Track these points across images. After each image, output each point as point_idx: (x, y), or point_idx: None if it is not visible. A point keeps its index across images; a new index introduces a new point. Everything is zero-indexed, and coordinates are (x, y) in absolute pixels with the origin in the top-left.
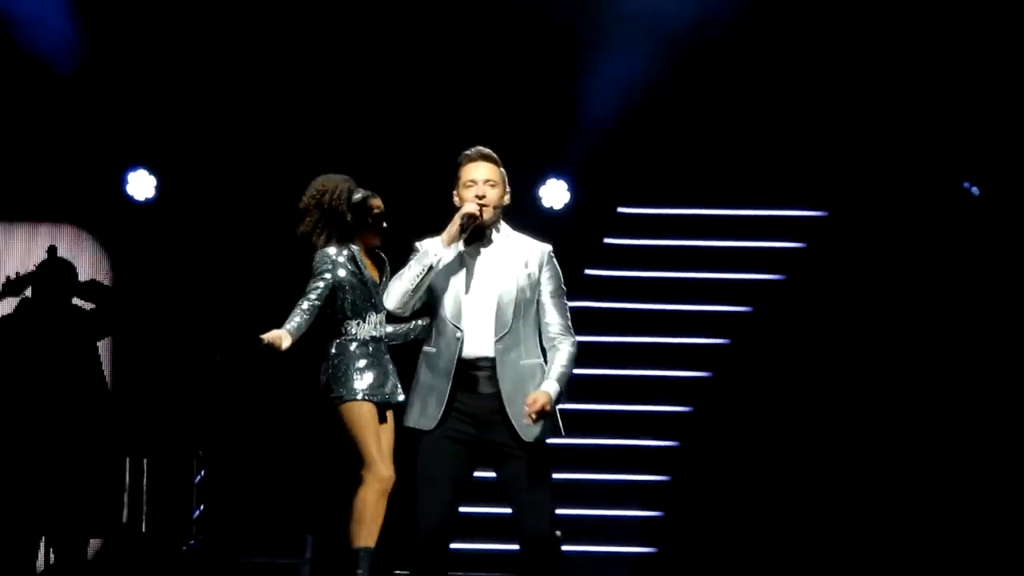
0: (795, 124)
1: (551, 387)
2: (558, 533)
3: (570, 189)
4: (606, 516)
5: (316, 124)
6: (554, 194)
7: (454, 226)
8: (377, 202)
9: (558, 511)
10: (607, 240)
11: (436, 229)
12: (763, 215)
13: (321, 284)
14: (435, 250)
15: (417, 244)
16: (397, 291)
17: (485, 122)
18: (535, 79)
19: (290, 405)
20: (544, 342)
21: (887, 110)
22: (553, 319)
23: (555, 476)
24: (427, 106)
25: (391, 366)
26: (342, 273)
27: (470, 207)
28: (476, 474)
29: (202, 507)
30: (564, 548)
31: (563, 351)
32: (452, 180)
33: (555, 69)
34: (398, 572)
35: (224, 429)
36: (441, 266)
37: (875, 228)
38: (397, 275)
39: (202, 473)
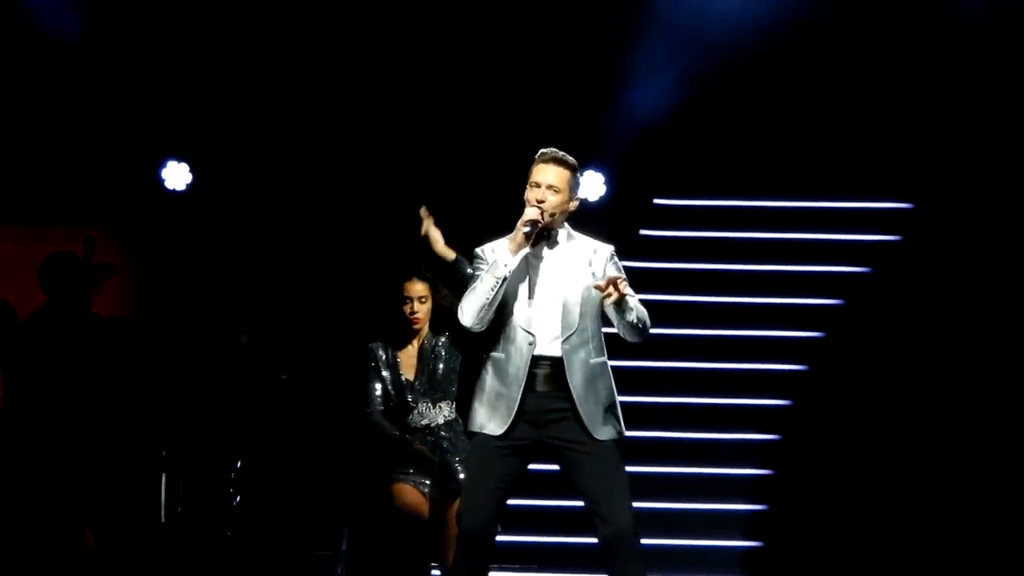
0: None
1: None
2: (638, 529)
3: (607, 182)
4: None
5: (354, 118)
6: (591, 186)
7: (519, 233)
8: None
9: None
10: (643, 232)
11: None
12: (824, 207)
13: None
14: (504, 259)
15: (478, 250)
16: (472, 307)
17: (523, 114)
18: (574, 71)
19: (327, 400)
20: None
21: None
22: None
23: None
24: (467, 98)
25: None
26: None
27: (531, 212)
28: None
29: (239, 498)
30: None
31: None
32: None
33: (594, 61)
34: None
35: (262, 422)
36: (511, 275)
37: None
38: (469, 290)
39: (239, 464)
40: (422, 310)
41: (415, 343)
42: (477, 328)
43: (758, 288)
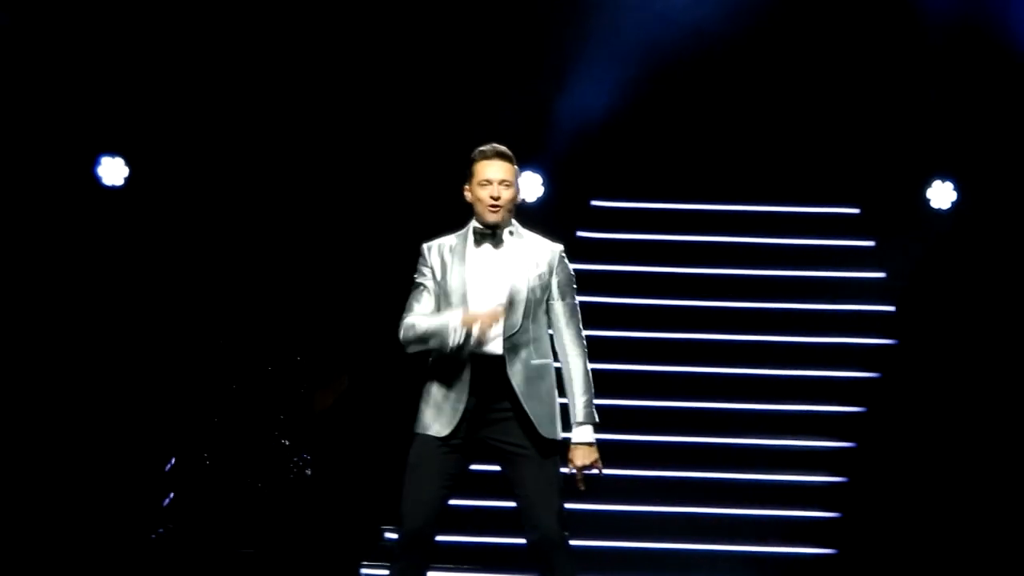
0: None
1: (586, 435)
2: (566, 533)
3: (544, 183)
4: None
5: (289, 111)
6: (529, 187)
7: (467, 329)
8: None
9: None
10: (579, 233)
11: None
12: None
13: None
14: (458, 337)
15: (424, 248)
16: (412, 339)
17: (461, 115)
18: (513, 71)
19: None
20: (555, 346)
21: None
22: (564, 324)
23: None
24: (405, 98)
25: None
26: None
27: (476, 331)
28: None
29: (172, 495)
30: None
31: (578, 371)
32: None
33: (533, 63)
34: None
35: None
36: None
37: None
38: (419, 312)
39: (172, 461)
40: None
41: None
42: (405, 347)
43: (695, 291)
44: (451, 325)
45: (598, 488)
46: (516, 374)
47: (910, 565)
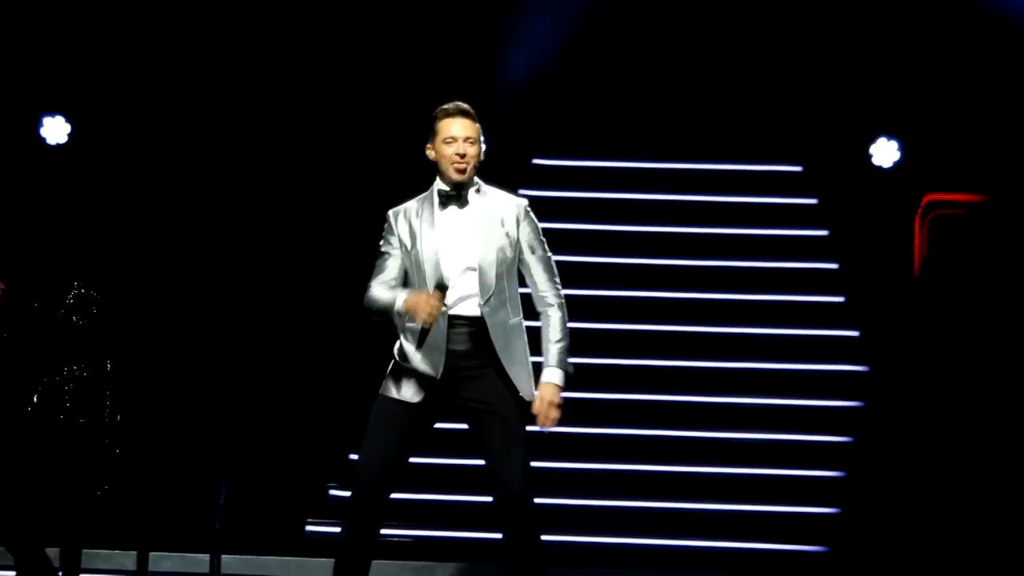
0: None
1: (555, 376)
2: (529, 491)
3: (485, 140)
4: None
5: (232, 69)
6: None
7: (415, 312)
8: None
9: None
10: (521, 191)
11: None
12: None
13: None
14: (407, 319)
15: (389, 214)
16: (372, 309)
17: (403, 74)
18: (452, 28)
19: (203, 350)
20: (534, 299)
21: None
22: (540, 278)
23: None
24: (348, 58)
25: None
26: None
27: (427, 320)
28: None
29: (117, 451)
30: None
31: (554, 321)
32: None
33: (473, 18)
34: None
35: (139, 372)
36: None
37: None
38: (380, 282)
39: (118, 418)
40: None
41: None
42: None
43: (639, 249)
44: (396, 308)
45: (585, 481)
46: (496, 336)
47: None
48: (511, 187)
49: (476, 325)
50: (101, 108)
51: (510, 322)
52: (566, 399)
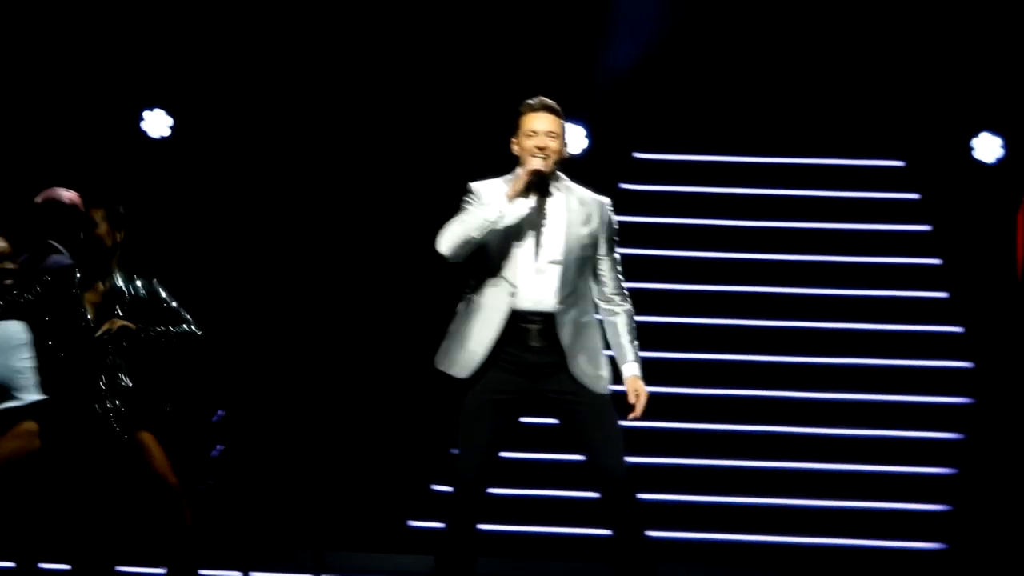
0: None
1: (638, 370)
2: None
3: (588, 135)
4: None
5: (336, 68)
6: (571, 140)
7: (520, 182)
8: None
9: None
10: (622, 186)
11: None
12: (809, 163)
13: None
14: (500, 204)
15: (472, 185)
16: (455, 236)
17: (503, 68)
18: (555, 22)
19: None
20: (597, 297)
21: None
22: (611, 278)
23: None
24: (449, 52)
25: None
26: None
27: (536, 163)
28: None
29: (219, 447)
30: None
31: (624, 318)
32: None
33: (576, 12)
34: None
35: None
36: (503, 223)
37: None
38: (456, 218)
39: (220, 413)
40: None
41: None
42: (451, 260)
43: (739, 244)
44: (493, 206)
45: (694, 476)
46: (564, 332)
47: (1021, 558)
48: (611, 182)
49: (549, 320)
50: (202, 101)
51: (583, 319)
52: (668, 394)
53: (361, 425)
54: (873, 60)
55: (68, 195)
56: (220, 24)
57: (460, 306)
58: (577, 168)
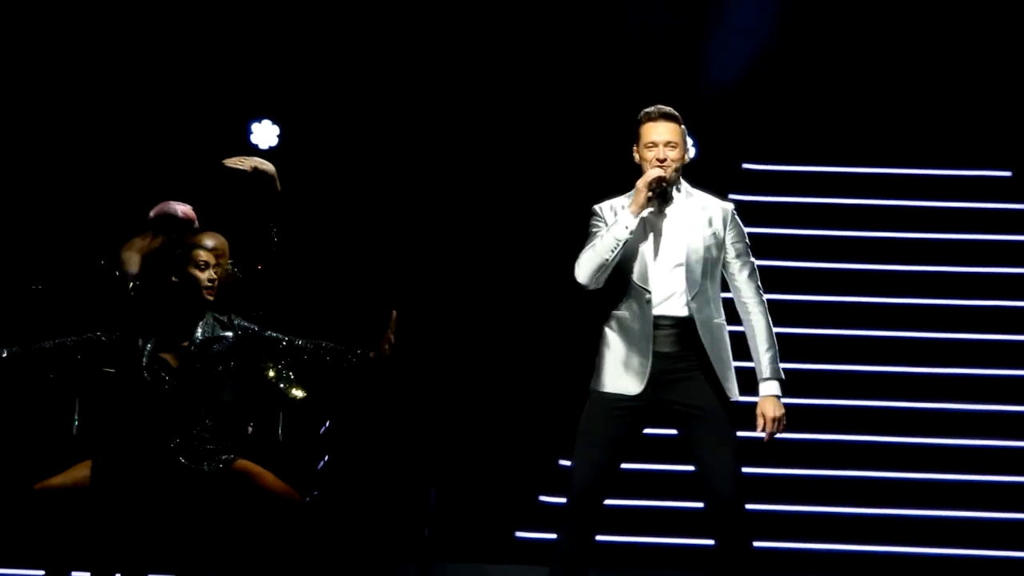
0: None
1: (774, 388)
2: (742, 497)
3: (695, 145)
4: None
5: (450, 81)
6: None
7: (641, 195)
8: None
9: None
10: (732, 196)
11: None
12: (917, 174)
13: None
14: (625, 221)
15: (596, 208)
16: (590, 265)
17: (610, 79)
18: (664, 31)
19: (413, 355)
20: (736, 305)
21: None
22: (745, 283)
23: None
24: (554, 63)
25: None
26: None
27: (654, 172)
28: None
29: (326, 458)
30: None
31: (762, 327)
32: (632, 137)
33: (685, 23)
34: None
35: (353, 382)
36: (632, 235)
37: None
38: (588, 247)
39: (327, 424)
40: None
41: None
42: (592, 287)
43: (848, 254)
44: (620, 223)
45: (792, 487)
46: (704, 334)
47: None
48: (721, 191)
49: (682, 326)
50: (309, 111)
51: (715, 321)
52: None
53: (468, 435)
54: (981, 70)
55: (182, 208)
56: (328, 34)
57: (607, 327)
58: (685, 178)
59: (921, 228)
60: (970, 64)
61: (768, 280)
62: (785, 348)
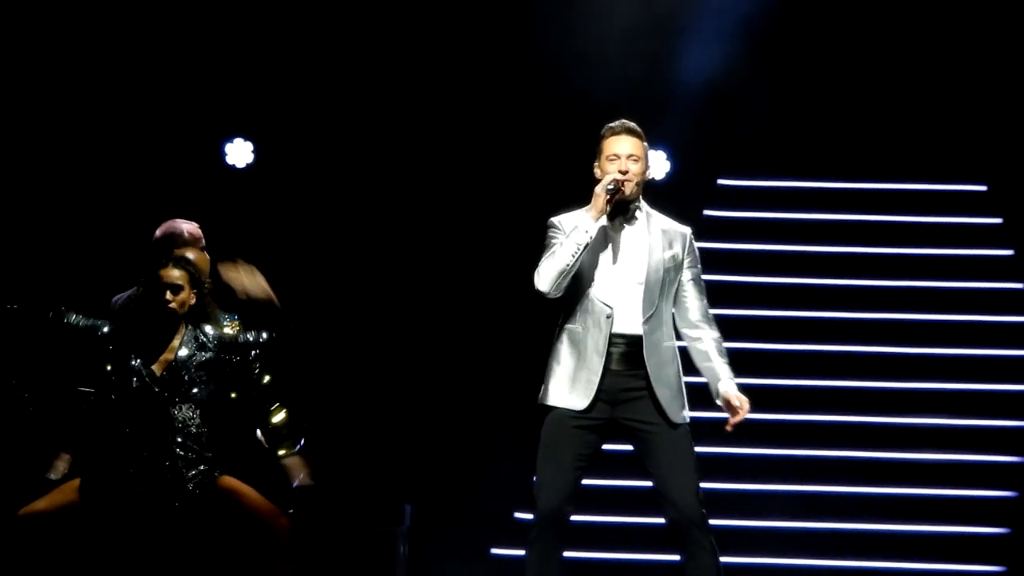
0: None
1: (733, 386)
2: (704, 511)
3: (669, 159)
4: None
5: (415, 98)
6: (654, 165)
7: (599, 200)
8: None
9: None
10: (706, 212)
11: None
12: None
13: None
14: (585, 226)
15: (553, 220)
16: (551, 271)
17: (584, 92)
18: (636, 47)
19: (387, 373)
20: (681, 325)
21: None
22: (695, 304)
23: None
24: (526, 76)
25: None
26: None
27: (611, 176)
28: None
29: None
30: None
31: (713, 342)
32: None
33: (657, 37)
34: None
35: (320, 397)
36: (592, 240)
37: None
38: (547, 255)
39: (301, 442)
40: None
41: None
42: (553, 295)
43: (822, 269)
44: (580, 229)
45: (750, 502)
46: (651, 355)
47: None
48: (696, 207)
49: (635, 344)
50: (284, 129)
51: (665, 344)
52: (751, 418)
53: (443, 452)
54: (955, 84)
55: (188, 227)
56: (302, 52)
57: (558, 341)
58: (660, 194)
59: (897, 242)
60: (945, 78)
61: (743, 295)
62: (759, 364)
